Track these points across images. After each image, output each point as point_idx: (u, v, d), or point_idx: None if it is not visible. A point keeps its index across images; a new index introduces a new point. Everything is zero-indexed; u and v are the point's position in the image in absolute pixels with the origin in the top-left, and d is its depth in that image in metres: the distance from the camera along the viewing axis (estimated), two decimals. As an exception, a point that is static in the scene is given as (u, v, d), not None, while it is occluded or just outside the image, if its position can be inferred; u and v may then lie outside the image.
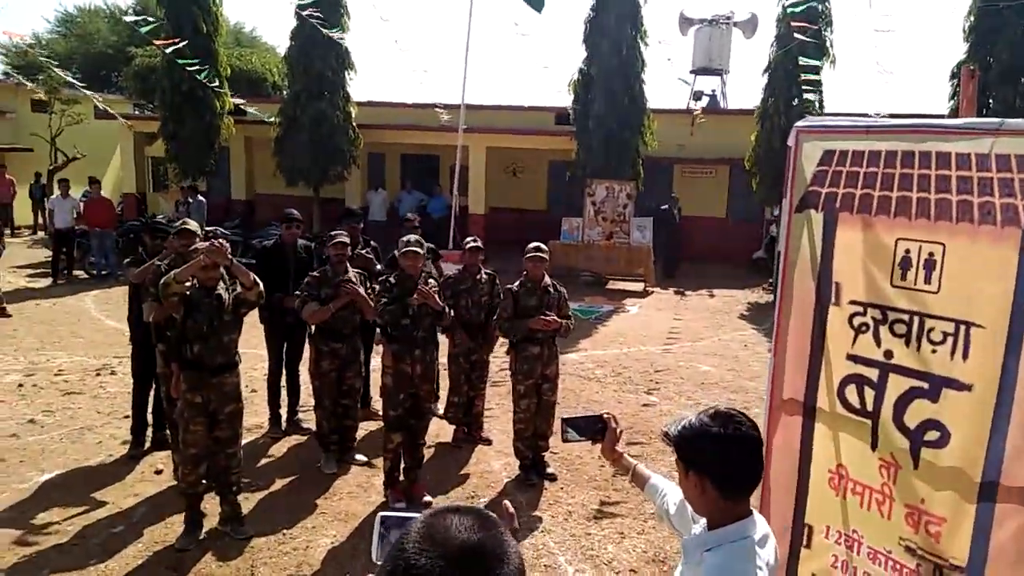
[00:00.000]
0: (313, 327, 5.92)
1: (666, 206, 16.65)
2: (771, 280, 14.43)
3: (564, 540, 4.94)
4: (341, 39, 16.36)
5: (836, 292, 2.68)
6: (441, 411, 6.81)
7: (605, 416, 2.46)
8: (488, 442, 6.56)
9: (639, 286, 15.25)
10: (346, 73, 17.51)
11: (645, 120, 16.06)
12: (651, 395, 8.11)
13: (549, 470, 5.94)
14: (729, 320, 12.56)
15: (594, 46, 15.76)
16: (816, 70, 12.82)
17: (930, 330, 2.40)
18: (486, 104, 19.61)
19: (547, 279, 5.85)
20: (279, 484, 5.58)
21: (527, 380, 5.76)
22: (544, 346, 5.78)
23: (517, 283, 5.83)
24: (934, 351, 2.39)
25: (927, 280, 2.41)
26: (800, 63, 11.85)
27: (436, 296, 5.28)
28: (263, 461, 6.00)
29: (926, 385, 2.41)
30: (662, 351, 10.18)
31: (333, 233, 6.06)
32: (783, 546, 2.86)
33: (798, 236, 2.80)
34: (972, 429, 2.29)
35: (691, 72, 23.66)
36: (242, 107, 17.56)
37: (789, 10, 13.25)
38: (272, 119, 16.99)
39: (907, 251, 2.47)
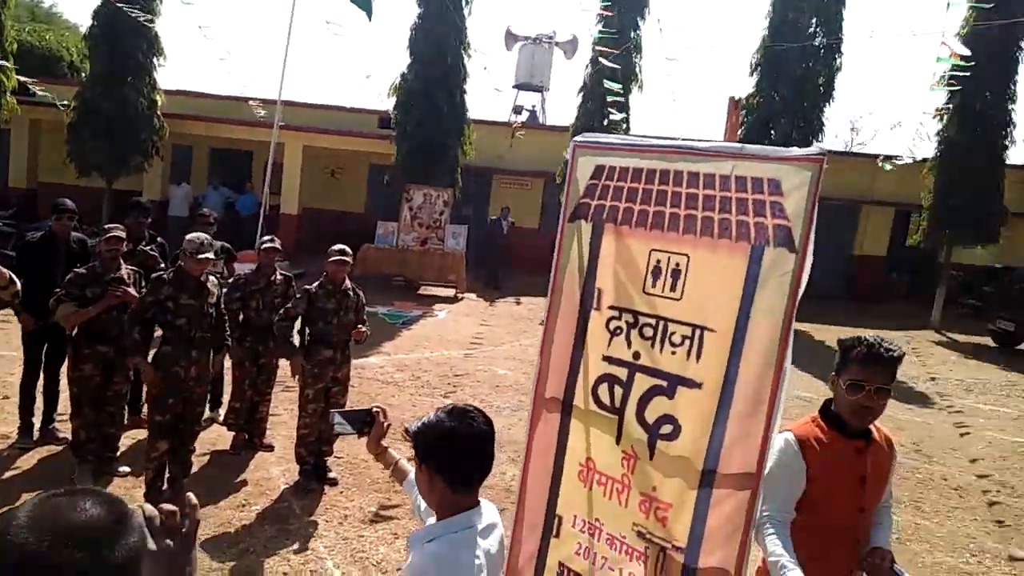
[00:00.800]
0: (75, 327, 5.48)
1: (495, 217, 16.93)
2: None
3: (335, 544, 4.89)
4: (151, 24, 15.35)
5: (597, 298, 2.84)
6: (222, 417, 6.55)
7: (374, 410, 2.48)
8: (270, 448, 6.37)
9: (451, 292, 15.44)
10: (155, 58, 16.42)
11: (465, 129, 16.32)
12: (447, 398, 8.22)
13: (331, 475, 5.86)
14: (532, 326, 13.00)
15: (418, 53, 15.83)
16: (620, 94, 13.56)
17: (672, 333, 2.61)
18: (306, 102, 19.14)
19: (348, 283, 5.79)
20: (23, 500, 5.11)
21: (317, 384, 5.64)
22: (337, 350, 5.71)
23: (316, 284, 5.71)
24: (673, 352, 2.60)
25: (672, 288, 2.62)
26: (605, 86, 12.51)
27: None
28: (7, 474, 5.47)
29: (665, 383, 2.62)
30: (463, 356, 10.35)
31: (107, 227, 5.63)
32: (535, 537, 2.99)
33: (569, 244, 2.93)
34: (699, 423, 2.51)
35: (513, 87, 24.34)
36: (29, 86, 16.00)
37: (597, 36, 13.97)
38: (65, 102, 15.60)
39: (658, 261, 2.67)
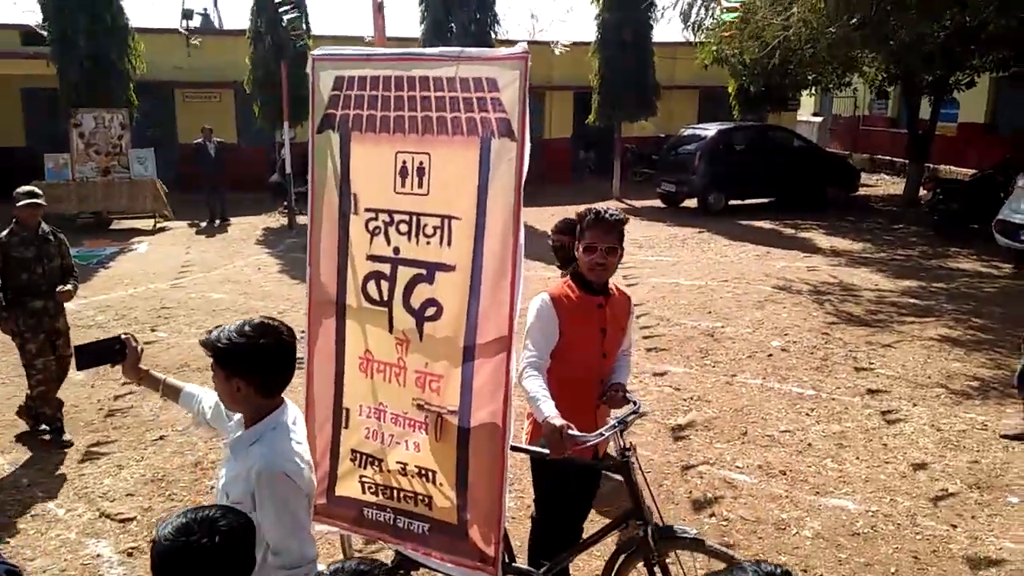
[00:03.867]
0: None
1: (199, 140, 14.90)
2: (286, 203, 14.80)
3: (56, 487, 4.83)
4: None
5: (355, 202, 3.05)
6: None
7: (124, 336, 2.50)
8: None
9: (150, 223, 14.46)
10: None
11: (131, 40, 14.78)
12: (156, 331, 8.00)
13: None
14: (246, 247, 12.72)
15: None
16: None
17: (425, 226, 2.91)
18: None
19: (44, 227, 5.36)
20: None
21: (37, 335, 5.30)
22: (47, 298, 5.33)
23: (6, 232, 5.23)
24: (428, 243, 2.91)
25: (420, 185, 2.90)
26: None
27: None
28: None
29: (424, 271, 2.93)
30: (171, 286, 9.97)
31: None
32: (327, 431, 3.25)
33: (323, 155, 3.09)
34: (456, 300, 2.85)
35: (179, -12, 22.16)
36: None
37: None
38: None
39: (404, 162, 2.91)
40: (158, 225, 14.46)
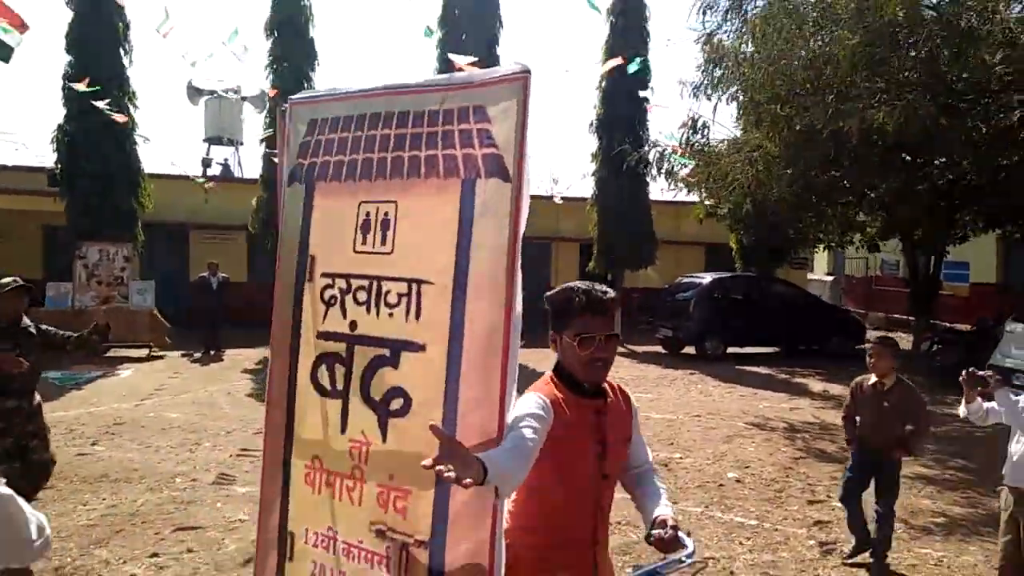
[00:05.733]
0: None
1: (205, 274, 15.41)
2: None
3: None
4: None
5: (311, 266, 2.47)
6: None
7: None
8: None
9: (143, 351, 14.57)
10: None
11: (141, 182, 15.61)
12: (96, 445, 7.79)
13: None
14: (230, 375, 12.64)
15: (72, 102, 14.61)
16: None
17: (387, 293, 2.29)
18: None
19: (26, 320, 4.88)
20: None
21: (5, 439, 4.66)
22: (23, 398, 4.78)
23: None
24: (391, 315, 2.27)
25: (383, 241, 2.31)
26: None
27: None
28: None
29: (387, 352, 2.27)
30: (134, 406, 9.85)
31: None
32: (271, 565, 2.53)
33: (289, 212, 2.57)
34: (429, 390, 2.17)
35: (204, 140, 23.75)
36: None
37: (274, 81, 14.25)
38: None
39: (368, 214, 2.34)
40: (152, 353, 14.53)
